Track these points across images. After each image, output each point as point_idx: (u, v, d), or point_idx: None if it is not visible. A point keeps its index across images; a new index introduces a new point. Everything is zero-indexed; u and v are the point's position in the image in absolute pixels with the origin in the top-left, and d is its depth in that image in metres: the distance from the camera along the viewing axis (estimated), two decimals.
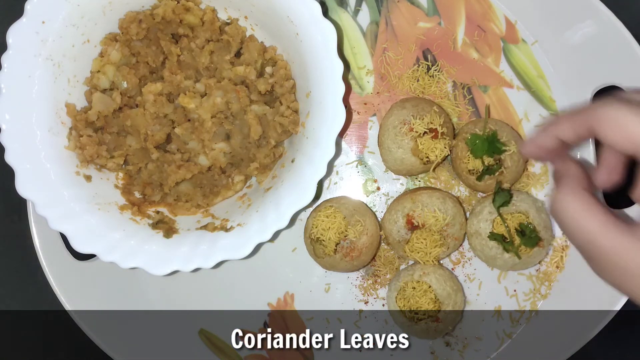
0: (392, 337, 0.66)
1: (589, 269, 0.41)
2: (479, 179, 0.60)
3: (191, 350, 0.67)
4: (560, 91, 0.65)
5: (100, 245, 0.56)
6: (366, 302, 0.66)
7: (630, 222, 0.37)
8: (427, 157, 0.60)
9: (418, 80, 0.65)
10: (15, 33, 0.54)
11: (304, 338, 0.67)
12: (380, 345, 0.66)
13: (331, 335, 0.66)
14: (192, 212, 0.62)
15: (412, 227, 0.60)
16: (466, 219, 0.63)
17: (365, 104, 0.66)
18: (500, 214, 0.60)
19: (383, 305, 0.66)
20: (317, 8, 0.54)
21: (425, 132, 0.60)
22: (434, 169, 0.63)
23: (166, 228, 0.60)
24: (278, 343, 0.67)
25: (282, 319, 0.67)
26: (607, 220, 0.37)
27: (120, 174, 0.63)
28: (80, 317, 0.64)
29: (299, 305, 0.66)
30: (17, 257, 0.68)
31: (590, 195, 0.39)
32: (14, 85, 0.55)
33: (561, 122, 0.41)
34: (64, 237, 0.61)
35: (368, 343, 0.66)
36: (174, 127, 0.60)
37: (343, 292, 0.66)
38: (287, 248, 0.66)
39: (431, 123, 0.60)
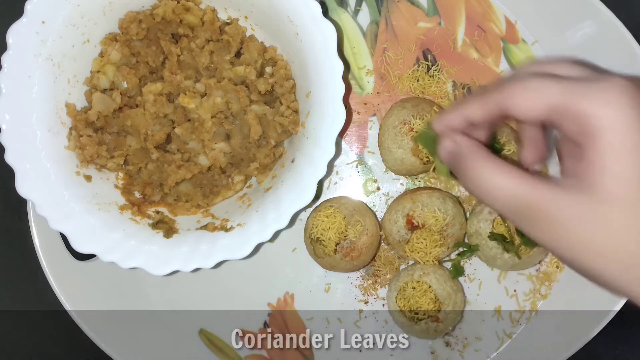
0: (392, 337, 0.66)
1: None
2: None
3: (191, 350, 0.67)
4: None
5: (100, 245, 0.56)
6: (366, 302, 0.66)
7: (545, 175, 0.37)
8: (427, 157, 0.60)
9: (418, 80, 0.65)
10: (15, 33, 0.54)
11: (304, 338, 0.67)
12: (380, 345, 0.66)
13: (331, 335, 0.66)
14: (192, 212, 0.62)
15: (412, 227, 0.60)
16: (466, 219, 0.63)
17: (365, 104, 0.66)
18: (500, 214, 0.60)
19: (383, 305, 0.66)
20: (317, 8, 0.54)
21: None
22: (434, 169, 0.63)
23: (166, 228, 0.60)
24: (278, 343, 0.67)
25: (282, 319, 0.67)
26: (523, 175, 0.36)
27: (120, 174, 0.63)
28: (80, 317, 0.64)
29: (299, 305, 0.66)
30: (17, 257, 0.68)
31: (498, 157, 0.38)
32: (14, 85, 0.55)
33: (471, 102, 0.40)
34: (64, 237, 0.61)
35: (368, 343, 0.66)
36: (174, 127, 0.60)
37: (343, 292, 0.66)
38: (287, 248, 0.66)
39: None
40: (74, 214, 0.56)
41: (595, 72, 0.37)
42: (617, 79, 0.33)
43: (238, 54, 0.62)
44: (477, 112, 0.39)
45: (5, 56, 0.54)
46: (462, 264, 0.65)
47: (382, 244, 0.65)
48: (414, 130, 0.60)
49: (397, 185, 0.66)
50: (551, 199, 0.34)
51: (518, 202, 0.35)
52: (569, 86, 0.34)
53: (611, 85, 0.33)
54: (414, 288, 0.60)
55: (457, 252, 0.64)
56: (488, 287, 0.65)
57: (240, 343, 0.67)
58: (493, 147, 0.59)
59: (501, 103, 0.37)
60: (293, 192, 0.56)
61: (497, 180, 0.36)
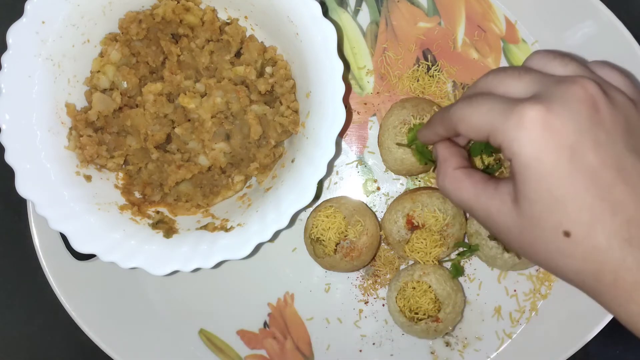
0: (391, 337, 0.66)
1: None
2: None
3: (191, 350, 0.67)
4: None
5: (100, 245, 0.56)
6: (366, 302, 0.66)
7: (497, 180, 0.43)
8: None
9: (418, 80, 0.65)
10: (15, 33, 0.54)
11: (304, 338, 0.67)
12: (380, 345, 0.66)
13: (331, 335, 0.66)
14: (192, 212, 0.62)
15: (412, 227, 0.60)
16: (466, 219, 0.63)
17: (365, 104, 0.66)
18: None
19: (383, 305, 0.66)
20: (317, 8, 0.54)
21: None
22: (434, 169, 0.63)
23: (166, 228, 0.60)
24: (278, 343, 0.67)
25: (282, 319, 0.67)
26: (475, 190, 0.44)
27: (120, 174, 0.63)
28: (80, 317, 0.64)
29: (299, 305, 0.66)
30: (17, 257, 0.68)
31: (462, 171, 0.46)
32: (14, 85, 0.55)
33: (434, 121, 0.49)
34: (64, 237, 0.61)
35: (368, 343, 0.66)
36: (174, 127, 0.60)
37: (343, 292, 0.66)
38: (287, 248, 0.66)
39: None
40: (74, 214, 0.56)
41: (545, 79, 0.41)
42: (529, 111, 0.38)
43: (238, 54, 0.62)
44: (441, 131, 0.47)
45: (5, 56, 0.54)
46: (462, 264, 0.65)
47: (382, 244, 0.65)
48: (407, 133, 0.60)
49: (397, 185, 0.66)
50: (494, 211, 0.42)
51: (473, 212, 0.44)
52: (492, 118, 0.40)
53: (523, 119, 0.38)
54: (414, 288, 0.60)
55: (457, 252, 0.63)
56: (488, 287, 0.65)
57: (241, 343, 0.67)
58: (492, 147, 0.59)
59: (452, 127, 0.44)
60: (293, 192, 0.56)
61: (455, 194, 0.46)
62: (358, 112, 0.66)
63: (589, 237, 0.37)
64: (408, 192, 0.63)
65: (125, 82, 0.60)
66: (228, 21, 0.63)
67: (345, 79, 0.57)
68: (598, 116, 0.38)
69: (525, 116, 0.38)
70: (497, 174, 0.60)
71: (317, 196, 0.66)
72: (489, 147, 0.59)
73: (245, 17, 0.62)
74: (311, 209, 0.65)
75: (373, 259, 0.65)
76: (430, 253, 0.60)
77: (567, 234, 0.38)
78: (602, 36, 0.60)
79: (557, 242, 0.38)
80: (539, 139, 0.37)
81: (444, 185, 0.47)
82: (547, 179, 0.38)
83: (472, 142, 0.59)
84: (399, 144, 0.60)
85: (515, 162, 0.39)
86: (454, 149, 0.49)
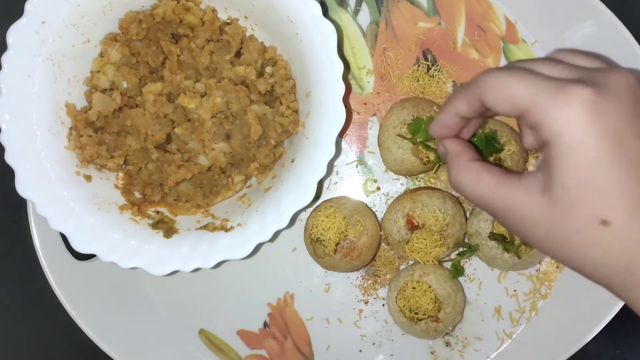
0: (391, 337, 0.66)
1: None
2: None
3: (191, 350, 0.67)
4: None
5: (100, 245, 0.56)
6: (366, 302, 0.66)
7: (519, 174, 0.40)
8: (427, 157, 0.60)
9: (418, 80, 0.65)
10: (15, 33, 0.54)
11: (304, 338, 0.67)
12: (380, 345, 0.66)
13: (331, 335, 0.66)
14: (192, 212, 0.62)
15: (412, 227, 0.60)
16: (466, 219, 0.63)
17: (365, 104, 0.66)
18: None
19: (383, 305, 0.66)
20: (317, 8, 0.54)
21: None
22: (435, 170, 0.63)
23: (166, 228, 0.60)
24: (278, 343, 0.67)
25: (282, 319, 0.67)
26: (497, 181, 0.40)
27: (120, 174, 0.63)
28: (80, 317, 0.64)
29: (299, 305, 0.66)
30: (17, 257, 0.68)
31: (479, 163, 0.43)
32: (14, 85, 0.55)
33: (455, 97, 0.44)
34: (64, 237, 0.61)
35: (368, 343, 0.66)
36: (174, 127, 0.60)
37: (343, 292, 0.66)
38: (287, 248, 0.66)
39: None
40: (74, 214, 0.56)
41: (582, 69, 0.39)
42: (578, 91, 0.35)
43: (238, 54, 0.62)
44: (463, 106, 0.43)
45: (5, 56, 0.54)
46: (462, 264, 0.65)
47: (382, 244, 0.65)
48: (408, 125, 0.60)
49: (397, 185, 0.66)
50: (518, 203, 0.39)
51: (492, 206, 0.41)
52: (535, 93, 0.37)
53: (571, 98, 0.35)
54: (414, 288, 0.60)
55: (457, 252, 0.63)
56: (488, 287, 0.65)
57: (241, 343, 0.67)
58: (493, 147, 0.59)
59: (479, 96, 0.40)
60: (293, 192, 0.56)
61: (473, 186, 0.42)
62: (358, 112, 0.66)
63: (629, 228, 0.35)
64: (408, 192, 0.63)
65: (125, 82, 0.60)
66: (228, 21, 0.63)
67: (345, 79, 0.57)
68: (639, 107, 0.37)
69: (575, 96, 0.35)
70: None
71: (317, 196, 0.66)
72: (489, 147, 0.59)
73: (245, 17, 0.62)
74: (311, 209, 0.65)
75: (373, 259, 0.65)
76: (430, 253, 0.60)
77: (604, 222, 0.36)
78: (602, 36, 0.60)
79: (592, 231, 0.36)
80: (586, 121, 0.35)
81: (459, 178, 0.43)
82: (589, 163, 0.35)
83: (472, 142, 0.60)
84: (400, 136, 0.60)
85: (555, 144, 0.36)
86: (465, 143, 0.46)
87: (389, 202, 0.65)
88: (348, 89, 0.66)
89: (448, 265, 0.64)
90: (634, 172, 0.36)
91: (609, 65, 0.40)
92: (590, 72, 0.38)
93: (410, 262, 0.64)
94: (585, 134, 0.35)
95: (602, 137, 0.35)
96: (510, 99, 0.38)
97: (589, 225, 0.36)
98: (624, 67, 0.39)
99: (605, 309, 0.60)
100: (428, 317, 0.60)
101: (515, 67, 0.40)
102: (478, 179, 0.42)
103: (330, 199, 0.65)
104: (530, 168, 0.65)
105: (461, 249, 0.63)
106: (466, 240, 0.63)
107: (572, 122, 0.35)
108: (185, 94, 0.59)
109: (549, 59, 0.40)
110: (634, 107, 0.36)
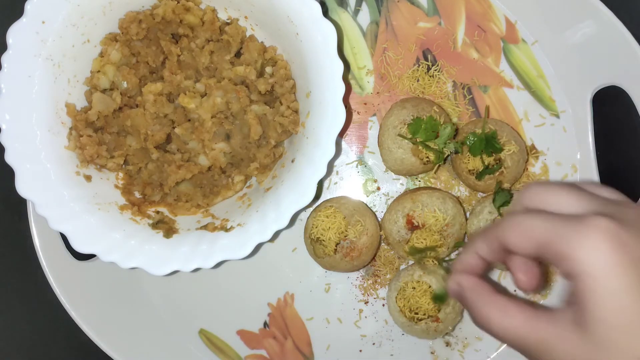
0: (391, 337, 0.66)
1: None
2: (479, 178, 0.60)
3: (191, 350, 0.67)
4: (560, 91, 0.65)
5: (100, 245, 0.56)
6: (366, 302, 0.66)
7: (548, 308, 0.39)
8: (427, 157, 0.60)
9: (418, 80, 0.65)
10: (15, 33, 0.54)
11: (304, 338, 0.67)
12: (380, 345, 0.66)
13: (331, 335, 0.66)
14: (192, 212, 0.62)
15: (412, 227, 0.60)
16: (466, 219, 0.63)
17: (365, 104, 0.66)
18: (500, 214, 0.60)
19: (383, 305, 0.66)
20: (317, 8, 0.54)
21: None
22: (435, 171, 0.63)
23: (166, 228, 0.60)
24: (278, 343, 0.67)
25: (282, 319, 0.67)
26: (526, 316, 0.39)
27: (120, 174, 0.63)
28: (80, 317, 0.64)
29: (299, 305, 0.66)
30: (17, 257, 0.68)
31: (502, 297, 0.40)
32: (14, 85, 0.55)
33: (477, 240, 0.43)
34: (64, 237, 0.61)
35: (368, 343, 0.66)
36: (174, 127, 0.60)
37: (343, 292, 0.66)
38: (287, 248, 0.66)
39: None
40: (74, 214, 0.56)
41: (594, 202, 0.38)
42: (599, 222, 0.35)
43: (238, 54, 0.62)
44: (484, 249, 0.42)
45: (5, 56, 0.54)
46: None
47: (382, 244, 0.65)
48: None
49: (397, 185, 0.66)
50: (553, 339, 0.37)
51: (524, 341, 0.38)
52: (553, 227, 0.36)
53: (592, 230, 0.35)
54: (414, 288, 0.60)
55: (457, 252, 0.63)
56: None
57: (241, 343, 0.67)
58: (493, 147, 0.59)
59: (499, 238, 0.40)
60: (293, 192, 0.56)
61: (501, 321, 0.39)
62: (358, 112, 0.66)
63: None
64: (408, 192, 0.63)
65: (125, 82, 0.60)
66: (228, 21, 0.63)
67: (345, 79, 0.57)
68: None
69: (595, 226, 0.35)
70: (497, 174, 0.60)
71: (317, 196, 0.66)
72: (489, 147, 0.59)
73: (245, 17, 0.62)
74: (311, 209, 0.65)
75: (373, 259, 0.65)
76: (430, 253, 0.60)
77: None
78: (602, 36, 0.60)
79: None
80: (611, 253, 0.34)
81: (488, 315, 0.40)
82: (622, 296, 0.34)
83: (472, 142, 0.60)
84: (400, 136, 0.60)
85: (582, 279, 0.35)
86: (479, 278, 0.44)
87: (389, 202, 0.65)
88: (348, 89, 0.66)
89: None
90: None
91: (627, 200, 0.40)
92: (608, 204, 0.37)
93: (410, 262, 0.64)
94: (613, 266, 0.34)
95: (631, 268, 0.34)
96: (530, 234, 0.37)
97: None
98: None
99: None
100: (428, 317, 0.60)
101: (532, 209, 0.39)
102: (507, 314, 0.39)
103: (330, 199, 0.65)
104: (531, 169, 0.65)
105: (461, 249, 0.63)
106: (466, 240, 0.63)
107: (596, 251, 0.34)
108: (185, 94, 0.59)
109: (569, 187, 0.39)
110: None
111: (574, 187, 0.39)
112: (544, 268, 0.41)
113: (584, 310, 0.35)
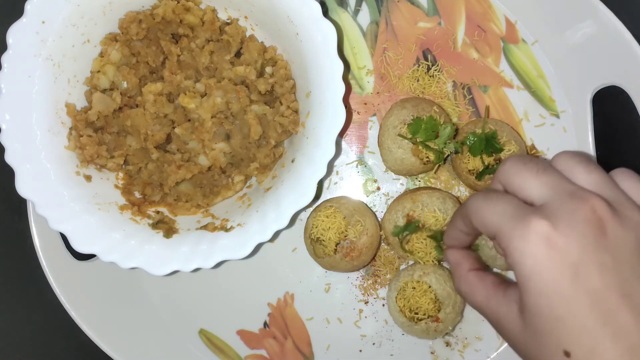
0: (391, 337, 0.66)
1: None
2: (479, 177, 0.60)
3: (191, 350, 0.67)
4: (560, 91, 0.65)
5: (100, 245, 0.56)
6: (366, 302, 0.66)
7: (506, 285, 0.43)
8: (427, 157, 0.60)
9: (418, 80, 0.65)
10: (15, 33, 0.54)
11: (304, 338, 0.67)
12: (380, 345, 0.66)
13: (331, 335, 0.66)
14: (192, 212, 0.62)
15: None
16: None
17: (365, 104, 0.66)
18: None
19: (383, 305, 0.66)
20: (317, 8, 0.54)
21: None
22: (435, 171, 0.63)
23: (166, 228, 0.60)
24: (278, 343, 0.67)
25: (282, 319, 0.67)
26: (488, 292, 0.44)
27: (120, 174, 0.63)
28: (81, 317, 0.64)
29: (299, 305, 0.66)
30: (17, 257, 0.68)
31: (475, 273, 0.46)
32: (14, 85, 0.55)
33: (454, 215, 0.49)
34: (64, 237, 0.61)
35: (368, 343, 0.66)
36: (174, 127, 0.60)
37: (343, 292, 0.66)
38: (287, 248, 0.66)
39: None
40: (74, 214, 0.56)
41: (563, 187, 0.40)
42: (536, 226, 0.38)
43: (238, 54, 0.62)
44: (461, 224, 0.47)
45: (5, 56, 0.54)
46: None
47: (382, 244, 0.65)
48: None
49: (397, 185, 0.66)
50: (502, 317, 0.42)
51: (485, 315, 0.45)
52: (501, 221, 0.40)
53: (529, 233, 0.38)
54: (414, 288, 0.60)
55: None
56: None
57: (241, 343, 0.67)
58: (493, 147, 0.59)
59: (468, 219, 0.44)
60: (293, 192, 0.56)
61: (468, 296, 0.46)
62: (358, 112, 0.66)
63: None
64: (408, 192, 0.63)
65: (125, 82, 0.60)
66: (228, 21, 0.63)
67: (345, 79, 0.57)
68: (605, 239, 0.37)
69: (530, 229, 0.38)
70: None
71: (317, 196, 0.66)
72: (489, 147, 0.59)
73: (245, 17, 0.62)
74: (311, 209, 0.65)
75: (373, 259, 0.65)
76: (430, 253, 0.60)
77: (567, 354, 0.37)
78: (602, 36, 0.60)
79: (558, 359, 0.38)
80: (541, 255, 0.37)
81: (460, 288, 0.47)
82: (547, 295, 0.37)
83: (472, 142, 0.60)
84: (400, 136, 0.60)
85: (517, 272, 0.39)
86: (464, 251, 0.50)
87: (389, 202, 0.65)
88: (348, 89, 0.66)
89: (448, 265, 0.64)
90: (592, 306, 0.36)
91: (606, 180, 0.40)
92: (562, 196, 0.39)
93: (410, 262, 0.64)
94: (540, 266, 0.37)
95: (558, 270, 0.37)
96: (484, 224, 0.41)
97: (555, 353, 0.38)
98: (604, 187, 0.40)
99: None
100: (428, 317, 0.60)
101: (494, 191, 0.43)
102: (474, 290, 0.46)
103: (330, 199, 0.65)
104: None
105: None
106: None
107: (528, 253, 0.37)
108: (185, 94, 0.59)
109: (540, 167, 0.41)
110: (597, 240, 0.37)
111: (543, 167, 0.41)
112: None
113: (521, 298, 0.39)
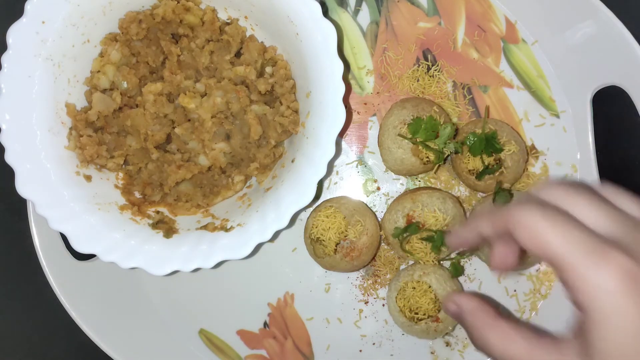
0: (391, 337, 0.66)
1: None
2: (479, 177, 0.60)
3: (191, 350, 0.67)
4: (560, 91, 0.65)
5: (100, 245, 0.56)
6: (366, 302, 0.66)
7: (552, 337, 0.38)
8: (427, 157, 0.60)
9: (418, 80, 0.65)
10: (15, 33, 0.54)
11: (304, 338, 0.67)
12: (380, 345, 0.66)
13: (331, 335, 0.66)
14: (192, 212, 0.62)
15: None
16: (466, 219, 0.63)
17: (365, 104, 0.66)
18: None
19: (383, 305, 0.66)
20: (317, 8, 0.54)
21: None
22: (435, 171, 0.63)
23: (166, 228, 0.59)
24: (278, 343, 0.67)
25: (282, 319, 0.67)
26: (529, 344, 0.38)
27: (120, 174, 0.63)
28: (80, 317, 0.64)
29: (299, 305, 0.66)
30: (17, 257, 0.68)
31: (505, 322, 0.40)
32: (14, 85, 0.55)
33: (482, 220, 0.41)
34: (64, 237, 0.61)
35: (368, 343, 0.66)
36: (174, 127, 0.60)
37: (343, 292, 0.66)
38: (287, 248, 0.66)
39: None
40: (74, 214, 0.56)
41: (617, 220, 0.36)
42: (618, 259, 0.34)
43: (238, 54, 0.62)
44: (487, 229, 0.41)
45: (5, 56, 0.54)
46: (462, 264, 0.65)
47: (382, 244, 0.65)
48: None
49: (397, 185, 0.66)
50: None
51: None
52: (571, 251, 0.35)
53: (611, 267, 0.34)
54: (414, 288, 0.60)
55: (457, 252, 0.63)
56: (488, 287, 0.65)
57: (241, 343, 0.67)
58: (493, 147, 0.59)
59: (508, 226, 0.38)
60: (293, 192, 0.56)
61: (502, 347, 0.39)
62: (358, 112, 0.66)
63: None
64: (408, 192, 0.63)
65: (125, 82, 0.60)
66: (228, 21, 0.63)
67: (345, 79, 0.57)
68: None
69: (613, 264, 0.34)
70: (497, 174, 0.60)
71: (317, 196, 0.66)
72: (489, 147, 0.59)
73: (245, 17, 0.62)
74: (311, 209, 0.65)
75: (373, 259, 0.65)
76: (430, 253, 0.60)
77: None
78: (602, 36, 0.60)
79: None
80: (626, 292, 0.34)
81: (488, 339, 0.40)
82: (631, 335, 0.34)
83: (472, 142, 0.60)
84: (400, 136, 0.60)
85: (594, 311, 0.34)
86: (479, 297, 0.43)
87: (389, 202, 0.65)
88: (348, 89, 0.66)
89: (448, 265, 0.64)
90: None
91: None
92: (631, 229, 0.36)
93: (410, 262, 0.64)
94: (625, 305, 0.33)
95: None
96: (544, 247, 0.36)
97: None
98: None
99: None
100: (428, 317, 0.60)
101: (552, 208, 0.37)
102: (509, 341, 0.39)
103: (330, 199, 0.65)
104: (531, 169, 0.65)
105: (461, 249, 0.63)
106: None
107: (612, 291, 0.34)
108: (185, 94, 0.59)
109: (593, 197, 0.37)
110: None
111: (594, 196, 0.37)
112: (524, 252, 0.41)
113: (590, 346, 0.35)
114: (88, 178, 0.59)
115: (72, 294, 0.64)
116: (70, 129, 0.59)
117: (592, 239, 0.35)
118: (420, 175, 0.66)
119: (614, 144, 0.66)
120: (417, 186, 0.66)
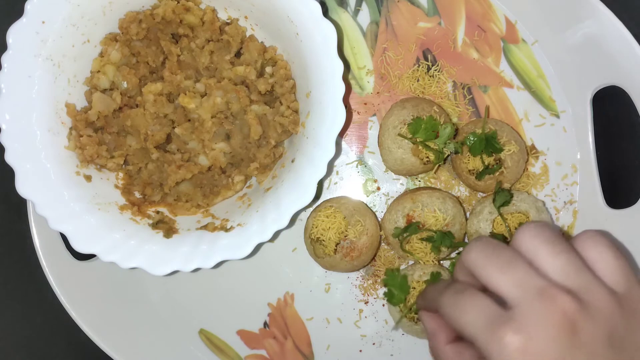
0: (391, 337, 0.66)
1: None
2: (479, 177, 0.60)
3: (191, 350, 0.67)
4: (560, 91, 0.65)
5: (100, 245, 0.56)
6: (366, 302, 0.66)
7: None
8: (427, 157, 0.60)
9: (418, 80, 0.65)
10: (15, 33, 0.54)
11: (304, 338, 0.67)
12: (380, 345, 0.66)
13: (331, 335, 0.66)
14: (192, 212, 0.62)
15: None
16: (466, 219, 0.63)
17: (365, 104, 0.66)
18: (500, 214, 0.60)
19: (383, 305, 0.66)
20: (317, 8, 0.54)
21: None
22: (435, 171, 0.63)
23: (166, 228, 0.60)
24: (278, 343, 0.67)
25: (282, 319, 0.67)
26: None
27: (120, 174, 0.63)
28: (80, 317, 0.64)
29: (299, 305, 0.66)
30: (17, 257, 0.68)
31: (453, 347, 0.46)
32: (14, 85, 0.55)
33: (426, 298, 0.48)
34: (64, 237, 0.61)
35: (368, 343, 0.66)
36: (174, 127, 0.60)
37: (343, 292, 0.66)
38: (287, 248, 0.66)
39: None
40: (74, 214, 0.56)
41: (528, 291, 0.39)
42: (511, 337, 0.37)
43: (238, 54, 0.62)
44: (433, 307, 0.45)
45: (5, 56, 0.54)
46: None
47: (382, 244, 0.65)
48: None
49: (397, 185, 0.66)
50: None
51: None
52: (477, 333, 0.39)
53: (504, 345, 0.37)
54: (414, 288, 0.60)
55: (457, 252, 0.63)
56: None
57: (241, 343, 0.67)
58: (493, 147, 0.59)
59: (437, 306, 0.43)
60: (293, 192, 0.56)
61: None
62: (358, 112, 0.66)
63: None
64: (408, 192, 0.63)
65: (125, 82, 0.60)
66: (228, 21, 0.63)
67: (345, 79, 0.57)
68: (577, 338, 0.37)
69: (505, 345, 0.38)
70: (497, 174, 0.60)
71: (317, 196, 0.66)
72: (489, 147, 0.59)
73: (245, 17, 0.62)
74: (311, 209, 0.65)
75: (373, 259, 0.65)
76: (430, 253, 0.60)
77: None
78: (602, 36, 0.60)
79: None
80: None
81: (437, 356, 0.48)
82: None
83: (472, 142, 0.60)
84: (400, 136, 0.60)
85: None
86: (441, 321, 0.48)
87: (389, 202, 0.65)
88: (348, 89, 0.66)
89: (448, 265, 0.64)
90: None
91: (572, 260, 0.40)
92: (531, 297, 0.39)
93: (410, 262, 0.64)
94: None
95: None
96: (459, 330, 0.41)
97: None
98: (570, 274, 0.40)
99: None
100: None
101: (461, 287, 0.42)
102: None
103: (330, 199, 0.65)
104: (531, 169, 0.65)
105: (461, 249, 0.63)
106: (466, 240, 0.63)
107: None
108: (185, 94, 0.59)
109: (504, 261, 0.41)
110: (571, 341, 0.37)
111: (508, 261, 0.40)
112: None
113: None
114: (88, 178, 0.59)
115: (72, 294, 0.64)
116: (70, 129, 0.59)
117: (490, 320, 0.39)
118: (420, 175, 0.66)
119: (614, 144, 0.66)
120: (417, 186, 0.66)
